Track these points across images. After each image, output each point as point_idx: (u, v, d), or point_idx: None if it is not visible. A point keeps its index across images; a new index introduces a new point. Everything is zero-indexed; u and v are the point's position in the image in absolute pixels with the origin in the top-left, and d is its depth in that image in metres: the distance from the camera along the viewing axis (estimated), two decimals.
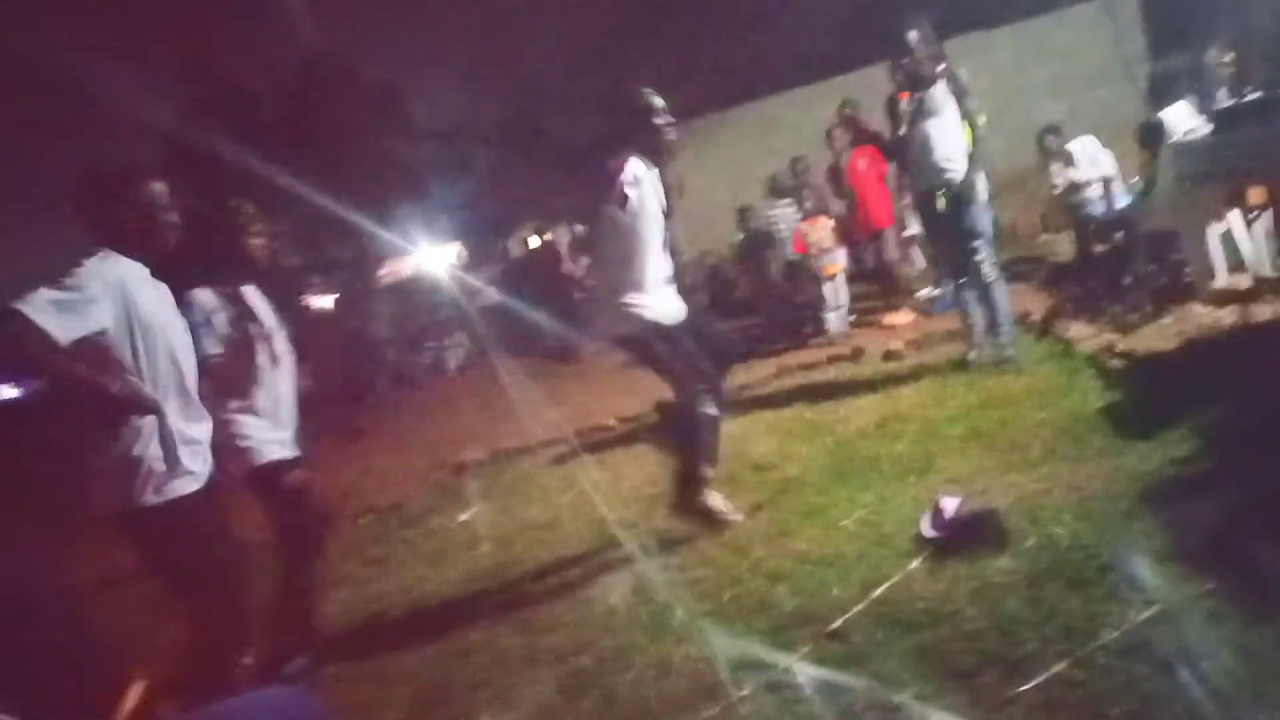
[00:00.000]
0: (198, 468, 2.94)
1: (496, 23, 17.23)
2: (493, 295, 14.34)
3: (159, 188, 2.98)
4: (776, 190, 9.04)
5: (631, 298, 3.90)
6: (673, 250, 4.05)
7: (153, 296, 2.94)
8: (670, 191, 4.08)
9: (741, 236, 9.88)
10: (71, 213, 2.94)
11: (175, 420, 2.89)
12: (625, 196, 3.84)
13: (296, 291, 15.35)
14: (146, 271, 2.94)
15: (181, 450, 2.88)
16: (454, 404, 10.52)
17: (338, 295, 15.93)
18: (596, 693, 2.98)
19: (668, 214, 4.02)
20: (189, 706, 1.73)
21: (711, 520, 4.02)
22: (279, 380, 3.68)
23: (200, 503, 2.87)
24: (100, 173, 2.98)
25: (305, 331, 14.27)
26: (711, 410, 3.96)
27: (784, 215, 8.77)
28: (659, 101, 3.99)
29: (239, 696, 1.93)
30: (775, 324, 8.97)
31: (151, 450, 2.82)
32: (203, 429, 3.03)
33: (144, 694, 1.56)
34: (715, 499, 4.07)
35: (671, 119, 4.03)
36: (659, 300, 3.95)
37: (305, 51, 15.55)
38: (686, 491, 4.03)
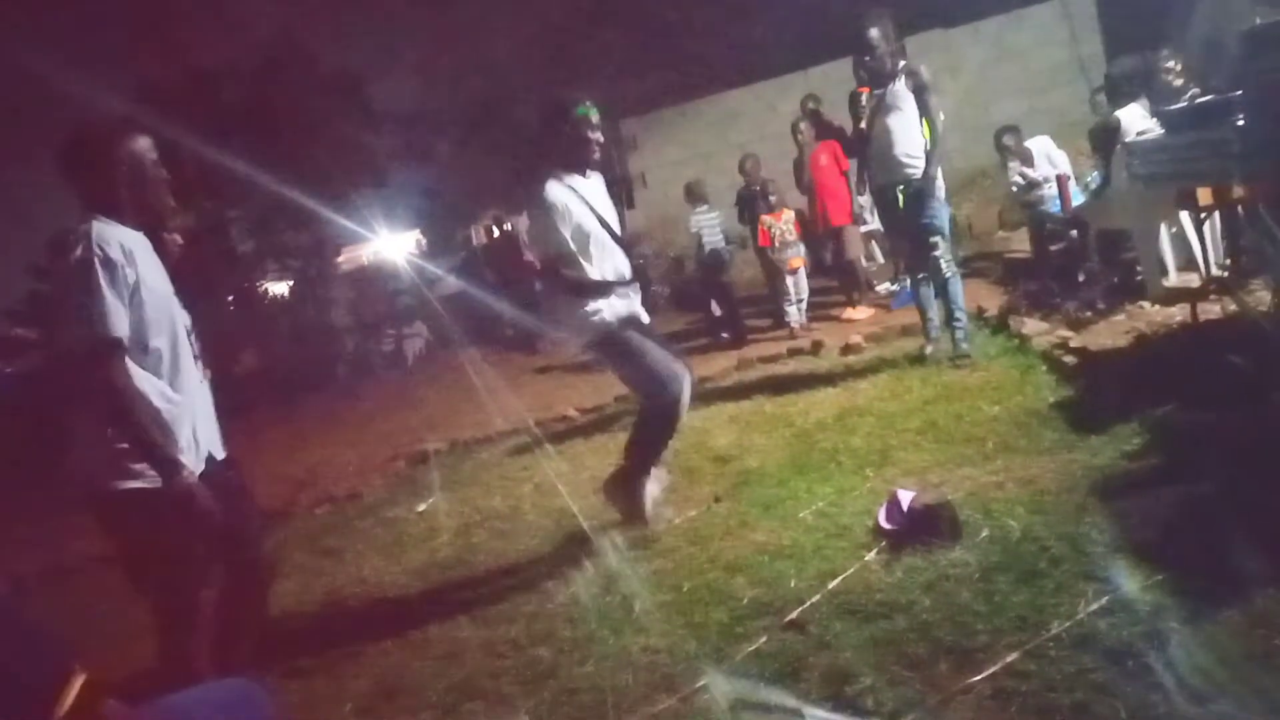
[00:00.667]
0: (193, 451, 2.83)
1: (460, 10, 17.06)
2: (453, 284, 14.22)
3: (149, 144, 2.82)
4: (694, 197, 9.03)
5: (585, 303, 3.92)
6: (630, 246, 4.07)
7: (153, 265, 2.79)
8: (628, 187, 4.10)
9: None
10: (62, 175, 2.77)
11: (176, 397, 2.78)
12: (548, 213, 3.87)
13: (254, 278, 15.16)
14: (142, 235, 2.79)
15: (180, 432, 2.78)
16: (413, 393, 10.43)
17: (294, 282, 15.71)
18: (555, 684, 2.98)
19: (618, 212, 4.04)
20: (137, 699, 1.70)
21: (635, 519, 4.05)
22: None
23: (195, 487, 2.75)
24: (93, 129, 2.83)
25: (261, 318, 14.07)
26: (668, 413, 3.96)
27: (702, 221, 8.83)
28: (594, 114, 3.97)
29: (189, 689, 1.89)
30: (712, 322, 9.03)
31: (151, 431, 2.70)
32: (199, 409, 2.92)
33: (87, 687, 1.52)
34: (648, 504, 4.08)
35: (600, 134, 4.01)
36: (611, 302, 3.96)
37: (265, 35, 15.29)
38: (623, 487, 4.08)
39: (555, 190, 3.89)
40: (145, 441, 2.65)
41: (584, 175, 4.02)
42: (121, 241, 2.66)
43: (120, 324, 2.62)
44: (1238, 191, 4.76)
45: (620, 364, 4.04)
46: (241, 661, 2.89)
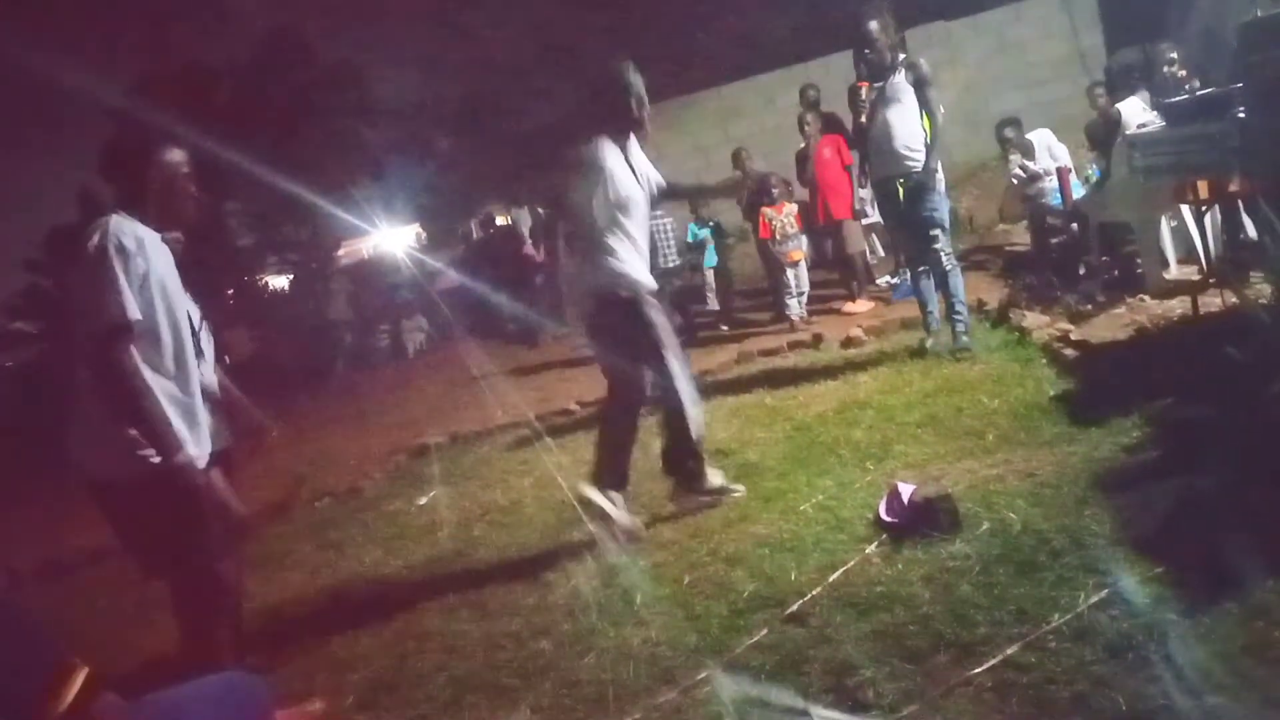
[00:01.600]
0: (197, 441, 2.87)
1: (458, 3, 17.01)
2: (453, 278, 14.22)
3: (185, 159, 2.99)
4: None
5: (611, 261, 3.91)
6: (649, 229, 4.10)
7: (165, 262, 2.89)
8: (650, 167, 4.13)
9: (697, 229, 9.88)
10: (100, 169, 2.98)
11: (180, 390, 2.85)
12: (597, 174, 3.86)
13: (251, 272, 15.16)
14: (158, 236, 2.90)
15: (185, 421, 2.83)
16: (413, 387, 10.44)
17: (294, 276, 15.71)
18: (555, 677, 2.98)
19: (646, 190, 4.06)
20: (134, 693, 1.70)
21: (592, 514, 3.99)
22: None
23: (193, 466, 2.80)
24: (138, 135, 3.01)
25: (261, 312, 14.05)
26: (635, 411, 4.01)
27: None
28: (639, 83, 4.00)
29: (186, 683, 1.89)
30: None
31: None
32: (203, 405, 2.96)
33: (87, 681, 1.53)
34: (603, 499, 4.00)
35: (646, 101, 4.05)
36: (637, 268, 3.98)
37: (263, 28, 15.26)
38: (596, 479, 4.05)
39: (607, 150, 3.92)
40: (150, 422, 2.72)
41: (630, 142, 4.06)
42: (136, 233, 2.79)
43: (133, 309, 2.72)
44: (1238, 184, 4.76)
45: (636, 332, 3.96)
46: (217, 659, 2.91)
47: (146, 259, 2.78)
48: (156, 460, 2.72)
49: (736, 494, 4.13)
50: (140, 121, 3.15)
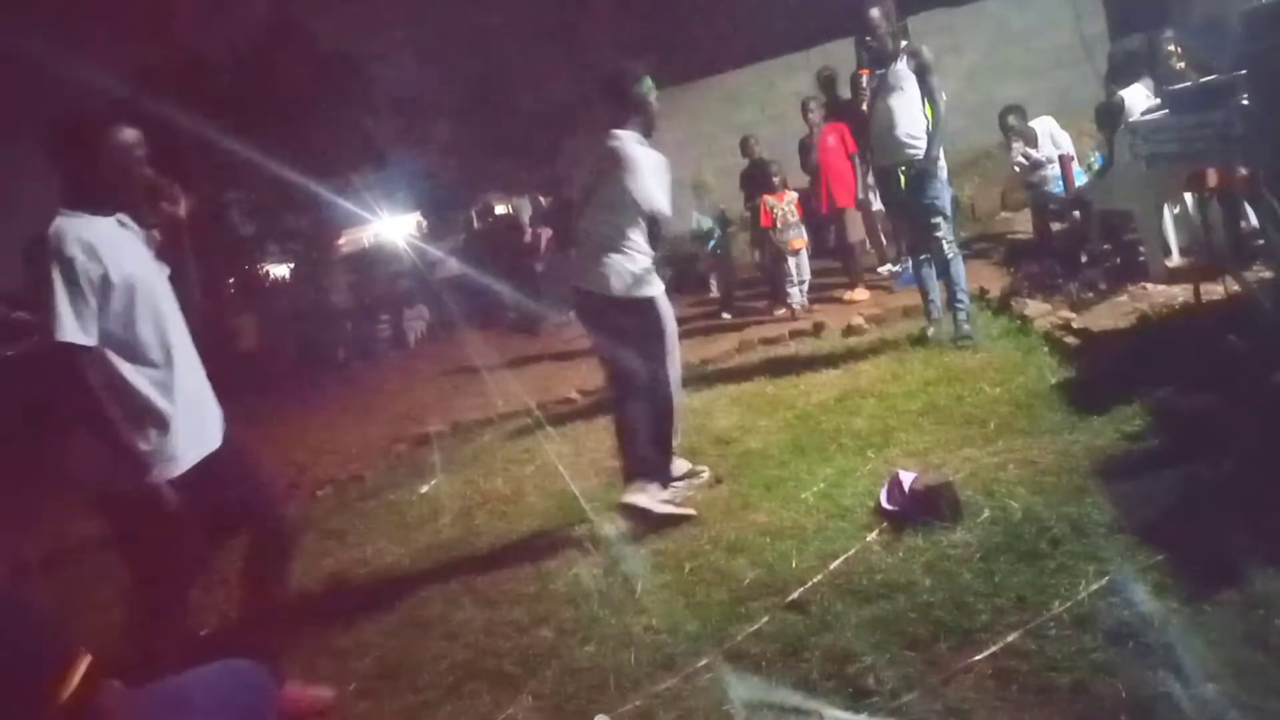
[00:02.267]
0: (181, 448, 2.79)
1: None
2: (454, 266, 14.21)
3: (135, 136, 2.78)
4: None
5: (629, 262, 3.96)
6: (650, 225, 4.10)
7: (129, 251, 2.75)
8: None
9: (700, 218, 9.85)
10: (45, 161, 2.75)
11: (159, 394, 2.74)
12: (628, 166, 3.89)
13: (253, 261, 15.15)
14: (115, 224, 2.75)
15: (175, 417, 2.75)
16: (414, 376, 10.43)
17: (295, 265, 15.70)
18: (557, 664, 2.99)
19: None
20: (137, 681, 1.71)
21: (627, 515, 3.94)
22: None
23: (162, 488, 2.70)
24: (78, 120, 2.81)
25: (262, 301, 14.03)
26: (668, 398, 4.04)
27: None
28: (651, 84, 4.08)
29: (189, 671, 1.90)
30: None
31: (138, 432, 2.68)
32: (197, 393, 2.89)
33: (91, 669, 1.53)
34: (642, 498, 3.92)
35: (656, 100, 4.12)
36: (647, 269, 4.02)
37: (264, 19, 15.20)
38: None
39: (637, 147, 3.96)
40: (114, 440, 2.62)
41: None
42: (80, 236, 2.61)
43: (77, 325, 2.57)
44: (1240, 171, 4.74)
45: (649, 332, 4.03)
46: (265, 628, 2.91)
47: (101, 260, 2.61)
48: (125, 477, 2.64)
49: (703, 473, 4.32)
50: (83, 104, 2.93)
